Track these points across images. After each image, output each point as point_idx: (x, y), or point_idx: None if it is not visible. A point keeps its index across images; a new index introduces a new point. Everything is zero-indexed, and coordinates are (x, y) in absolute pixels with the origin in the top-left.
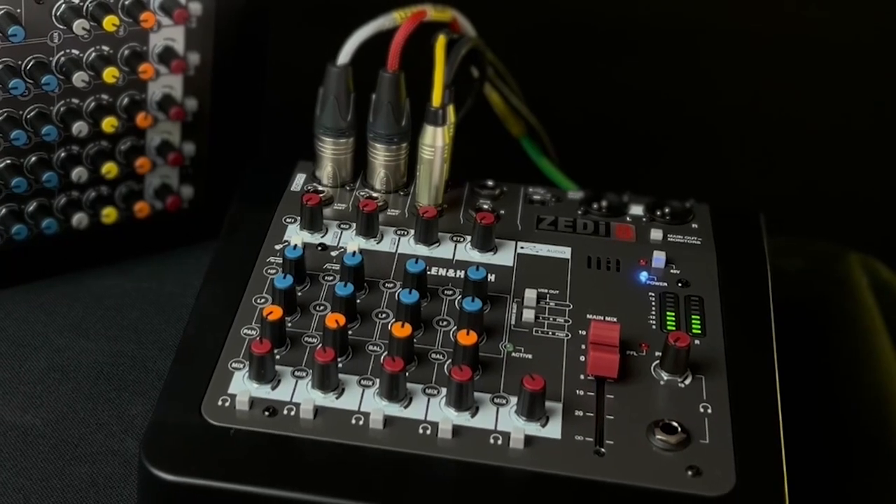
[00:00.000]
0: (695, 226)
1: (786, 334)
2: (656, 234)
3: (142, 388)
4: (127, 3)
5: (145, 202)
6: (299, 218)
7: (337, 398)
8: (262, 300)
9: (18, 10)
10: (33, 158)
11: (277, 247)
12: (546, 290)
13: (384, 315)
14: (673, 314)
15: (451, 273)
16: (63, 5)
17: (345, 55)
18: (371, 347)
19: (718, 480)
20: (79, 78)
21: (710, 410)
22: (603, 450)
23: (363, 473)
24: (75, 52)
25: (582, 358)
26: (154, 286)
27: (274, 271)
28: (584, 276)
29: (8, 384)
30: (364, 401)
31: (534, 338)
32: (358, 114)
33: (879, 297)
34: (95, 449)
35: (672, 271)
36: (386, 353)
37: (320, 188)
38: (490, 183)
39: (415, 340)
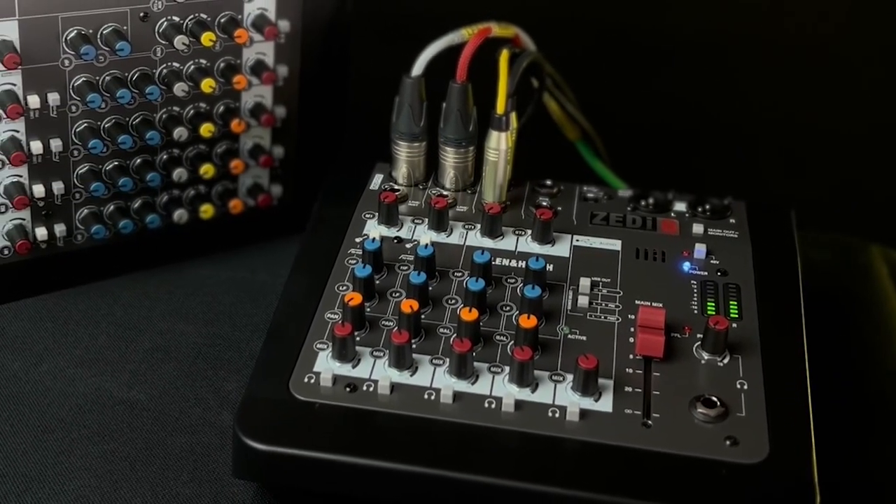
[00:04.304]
0: (732, 221)
1: (814, 318)
2: (698, 229)
3: (235, 366)
4: (223, 20)
5: (239, 199)
6: (377, 214)
7: (411, 375)
8: (344, 287)
9: (125, 27)
10: (138, 160)
11: (357, 240)
12: (599, 279)
13: (453, 301)
14: (713, 300)
15: (513, 263)
16: (165, 23)
17: (418, 67)
18: (442, 330)
19: (753, 449)
20: (179, 88)
21: (746, 387)
22: (650, 422)
23: (435, 443)
24: (176, 64)
25: (631, 339)
26: (247, 275)
27: (354, 261)
28: (633, 266)
29: (116, 363)
30: (435, 378)
31: (588, 321)
32: (430, 120)
33: None
34: (194, 421)
35: (712, 262)
36: (455, 335)
37: (396, 187)
38: (548, 182)
39: (481, 324)
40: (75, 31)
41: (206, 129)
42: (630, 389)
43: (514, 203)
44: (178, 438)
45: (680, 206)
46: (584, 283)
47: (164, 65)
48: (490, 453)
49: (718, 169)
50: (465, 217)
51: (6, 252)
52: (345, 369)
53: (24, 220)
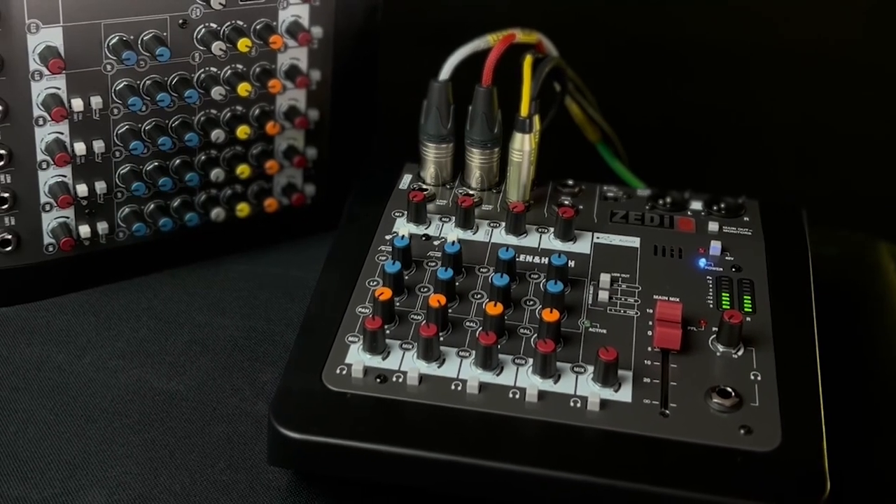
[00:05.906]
0: (746, 219)
1: (824, 312)
2: (713, 226)
3: (271, 358)
4: (258, 27)
5: (274, 199)
6: (406, 212)
7: (438, 367)
8: (374, 283)
9: (165, 34)
10: (177, 161)
11: (387, 237)
12: (618, 275)
13: (479, 296)
14: (727, 295)
15: (536, 260)
16: (203, 29)
17: (445, 72)
18: (468, 324)
19: (767, 438)
20: (217, 92)
21: (759, 378)
22: (667, 412)
23: (461, 432)
24: (214, 69)
25: (649, 332)
26: (281, 271)
27: (384, 258)
28: (651, 262)
29: (156, 356)
30: (462, 369)
31: (608, 315)
32: (457, 122)
33: None
34: (231, 411)
35: (727, 258)
36: (480, 328)
37: (424, 186)
38: (570, 182)
39: (505, 318)
40: (117, 38)
41: (243, 131)
42: (648, 380)
43: (537, 202)
44: (216, 427)
45: (696, 205)
46: (605, 278)
47: (203, 69)
48: (514, 441)
49: (732, 169)
50: (491, 215)
51: (51, 249)
52: (375, 361)
53: (68, 218)
